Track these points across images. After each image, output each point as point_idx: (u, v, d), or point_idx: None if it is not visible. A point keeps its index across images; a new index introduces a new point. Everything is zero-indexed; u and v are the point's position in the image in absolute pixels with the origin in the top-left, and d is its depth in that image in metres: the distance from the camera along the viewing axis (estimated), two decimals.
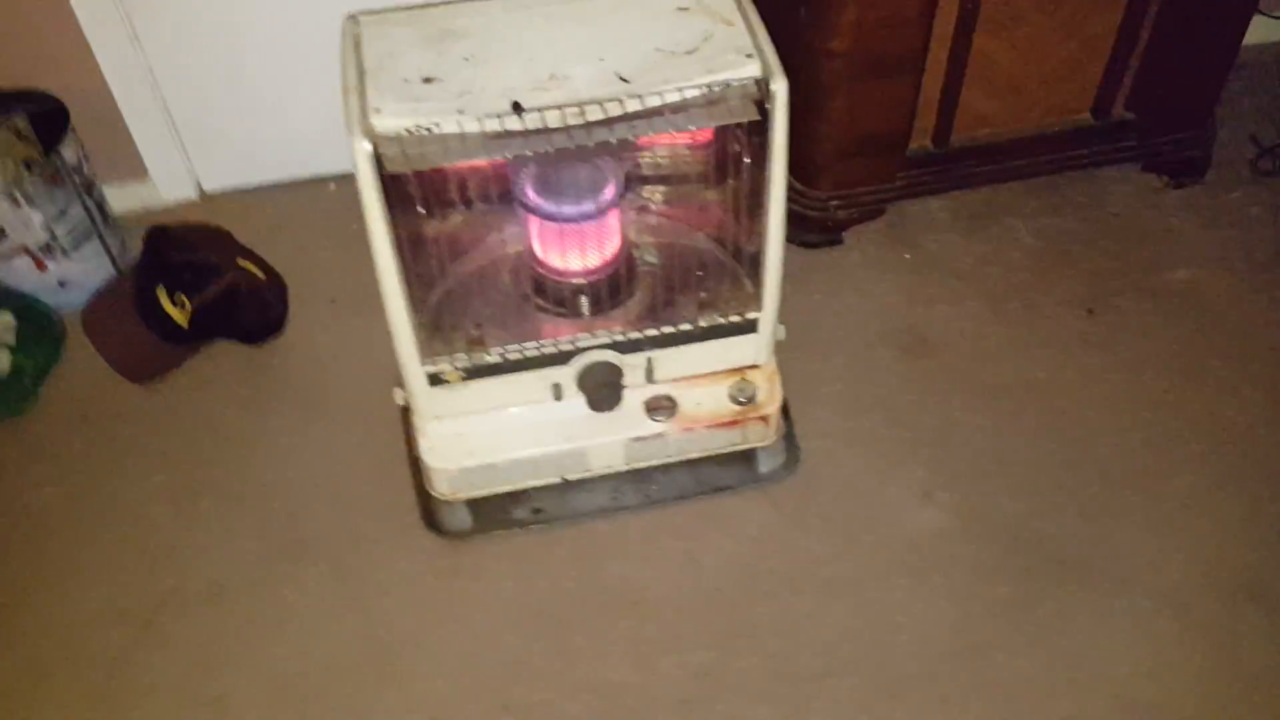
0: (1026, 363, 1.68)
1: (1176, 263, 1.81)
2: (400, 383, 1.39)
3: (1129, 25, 1.66)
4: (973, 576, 1.45)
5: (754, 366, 1.47)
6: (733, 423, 1.47)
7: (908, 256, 1.84)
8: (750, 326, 1.42)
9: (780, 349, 1.48)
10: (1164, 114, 1.79)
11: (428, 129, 1.15)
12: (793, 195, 1.77)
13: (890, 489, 1.54)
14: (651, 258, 1.46)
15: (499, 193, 1.39)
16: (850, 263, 1.83)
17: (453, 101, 1.17)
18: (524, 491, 1.50)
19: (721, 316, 1.40)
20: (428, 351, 1.34)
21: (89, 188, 1.76)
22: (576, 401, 1.41)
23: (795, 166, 1.80)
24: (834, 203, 1.78)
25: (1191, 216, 1.88)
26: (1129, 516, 1.51)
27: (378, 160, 1.14)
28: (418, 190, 1.29)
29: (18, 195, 1.63)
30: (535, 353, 1.37)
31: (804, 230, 1.82)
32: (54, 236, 1.70)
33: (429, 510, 1.50)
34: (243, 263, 1.68)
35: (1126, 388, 1.65)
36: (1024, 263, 1.82)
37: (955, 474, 1.55)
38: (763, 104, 1.20)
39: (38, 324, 1.71)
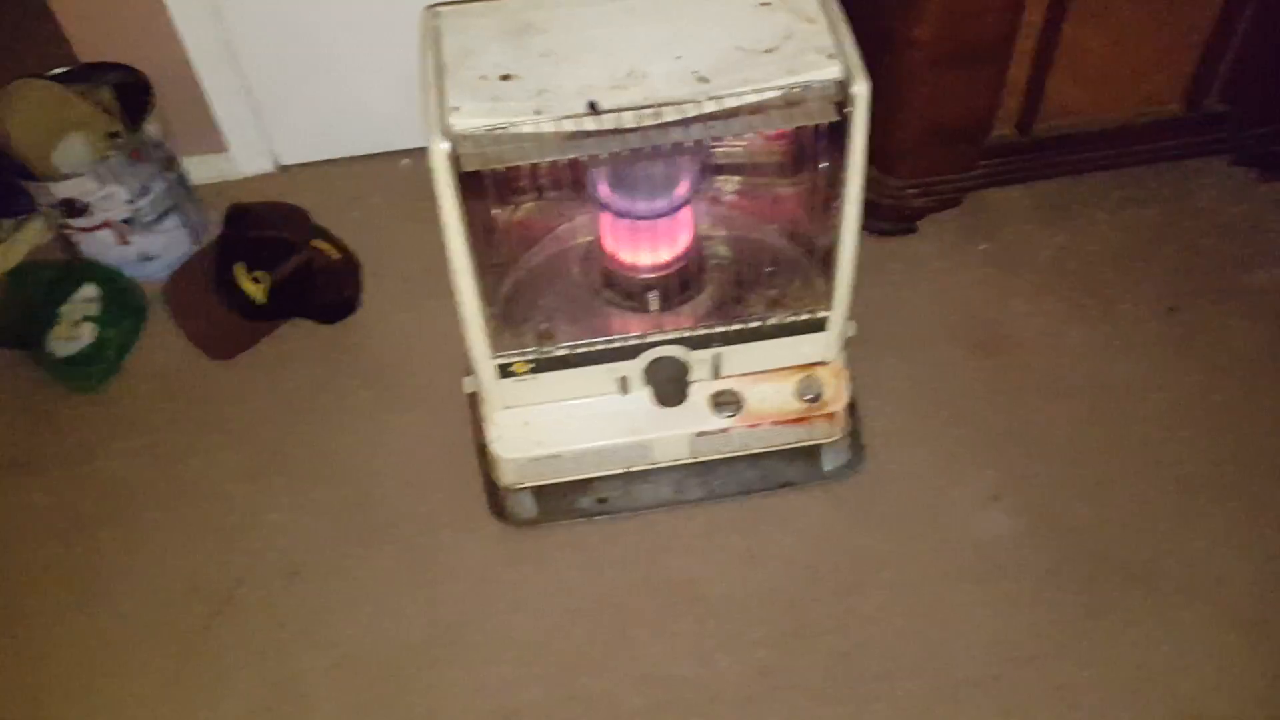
0: (1103, 362, 1.65)
1: (1264, 261, 1.75)
2: (470, 371, 1.40)
3: (1227, 15, 1.60)
4: (1039, 583, 1.44)
5: (822, 363, 1.46)
6: (798, 419, 1.47)
7: (983, 247, 1.80)
8: (820, 324, 1.41)
9: (848, 342, 1.47)
10: (1259, 106, 1.72)
11: (505, 128, 1.15)
12: (868, 182, 1.73)
13: (957, 490, 1.52)
14: (723, 251, 1.46)
15: (570, 180, 1.38)
16: (924, 252, 1.80)
17: (530, 101, 1.16)
18: (589, 481, 1.51)
19: (791, 314, 1.39)
20: (498, 344, 1.35)
21: (170, 162, 1.78)
22: (643, 394, 1.42)
23: (871, 153, 1.75)
24: (910, 191, 1.75)
25: None
26: (1202, 526, 1.48)
27: (455, 159, 1.14)
28: (492, 183, 1.29)
29: (103, 171, 1.66)
30: (603, 347, 1.37)
31: (878, 218, 1.79)
32: (136, 211, 1.73)
33: (495, 497, 1.52)
34: (318, 243, 1.70)
35: (1206, 391, 1.61)
36: (1104, 256, 1.77)
37: (1025, 477, 1.53)
38: (842, 106, 1.18)
39: (121, 297, 1.74)
